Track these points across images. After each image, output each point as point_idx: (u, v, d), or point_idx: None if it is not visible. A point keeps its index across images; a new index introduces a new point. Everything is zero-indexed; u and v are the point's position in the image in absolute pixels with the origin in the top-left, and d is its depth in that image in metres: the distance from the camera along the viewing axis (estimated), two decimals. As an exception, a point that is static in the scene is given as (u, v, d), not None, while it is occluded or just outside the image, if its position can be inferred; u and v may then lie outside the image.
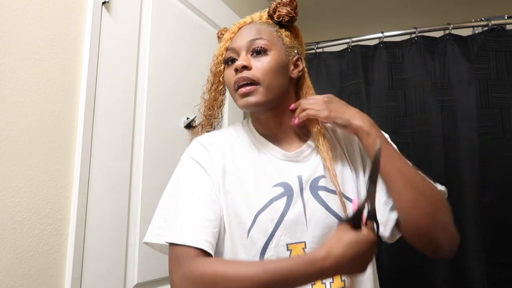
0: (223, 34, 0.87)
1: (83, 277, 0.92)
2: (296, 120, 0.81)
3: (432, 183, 0.78)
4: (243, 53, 0.79)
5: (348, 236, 0.62)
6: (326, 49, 1.85)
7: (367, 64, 1.73)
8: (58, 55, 0.92)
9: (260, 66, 0.76)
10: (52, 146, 0.89)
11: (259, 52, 0.78)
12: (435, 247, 0.74)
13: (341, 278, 0.73)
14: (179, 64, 1.33)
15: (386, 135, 0.83)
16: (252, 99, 0.76)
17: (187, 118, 1.33)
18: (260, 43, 0.78)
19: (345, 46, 1.81)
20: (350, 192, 0.79)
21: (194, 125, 1.35)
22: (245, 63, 0.76)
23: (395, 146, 0.81)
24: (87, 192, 0.95)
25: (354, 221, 0.63)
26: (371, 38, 1.77)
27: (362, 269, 0.65)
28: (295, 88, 0.86)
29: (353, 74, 1.75)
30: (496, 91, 1.54)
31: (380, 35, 1.73)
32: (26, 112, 0.84)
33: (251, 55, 0.78)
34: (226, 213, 0.75)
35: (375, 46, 1.74)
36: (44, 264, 0.85)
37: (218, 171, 0.78)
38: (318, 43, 1.88)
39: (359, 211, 0.63)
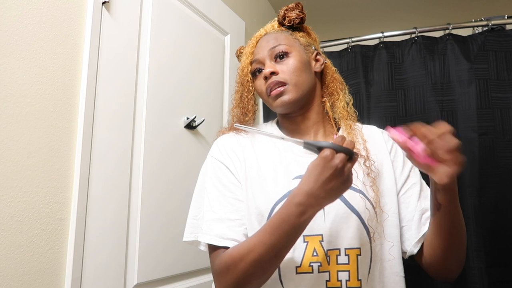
0: (241, 52, 0.95)
1: (83, 277, 0.92)
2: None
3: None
4: (267, 62, 0.85)
5: (309, 169, 0.64)
6: (326, 49, 1.84)
7: (367, 64, 1.73)
8: (58, 55, 0.92)
9: (285, 68, 0.83)
10: (52, 146, 0.89)
11: (281, 56, 0.84)
12: (447, 276, 0.79)
13: (357, 278, 0.73)
14: (179, 64, 1.33)
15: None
16: (285, 98, 0.81)
17: (187, 118, 1.33)
18: (280, 48, 0.84)
19: (345, 46, 1.80)
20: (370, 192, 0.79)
21: (194, 125, 1.35)
22: (272, 69, 0.82)
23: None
24: (87, 192, 0.95)
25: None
26: (371, 38, 1.76)
27: (332, 189, 0.63)
28: (320, 82, 0.91)
29: (353, 74, 1.75)
30: (496, 91, 1.53)
31: (380, 35, 1.73)
32: (26, 112, 0.84)
33: (275, 61, 0.85)
34: (247, 206, 0.78)
35: (375, 46, 1.74)
36: (44, 264, 0.85)
37: (240, 167, 0.81)
38: (318, 43, 1.88)
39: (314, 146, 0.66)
